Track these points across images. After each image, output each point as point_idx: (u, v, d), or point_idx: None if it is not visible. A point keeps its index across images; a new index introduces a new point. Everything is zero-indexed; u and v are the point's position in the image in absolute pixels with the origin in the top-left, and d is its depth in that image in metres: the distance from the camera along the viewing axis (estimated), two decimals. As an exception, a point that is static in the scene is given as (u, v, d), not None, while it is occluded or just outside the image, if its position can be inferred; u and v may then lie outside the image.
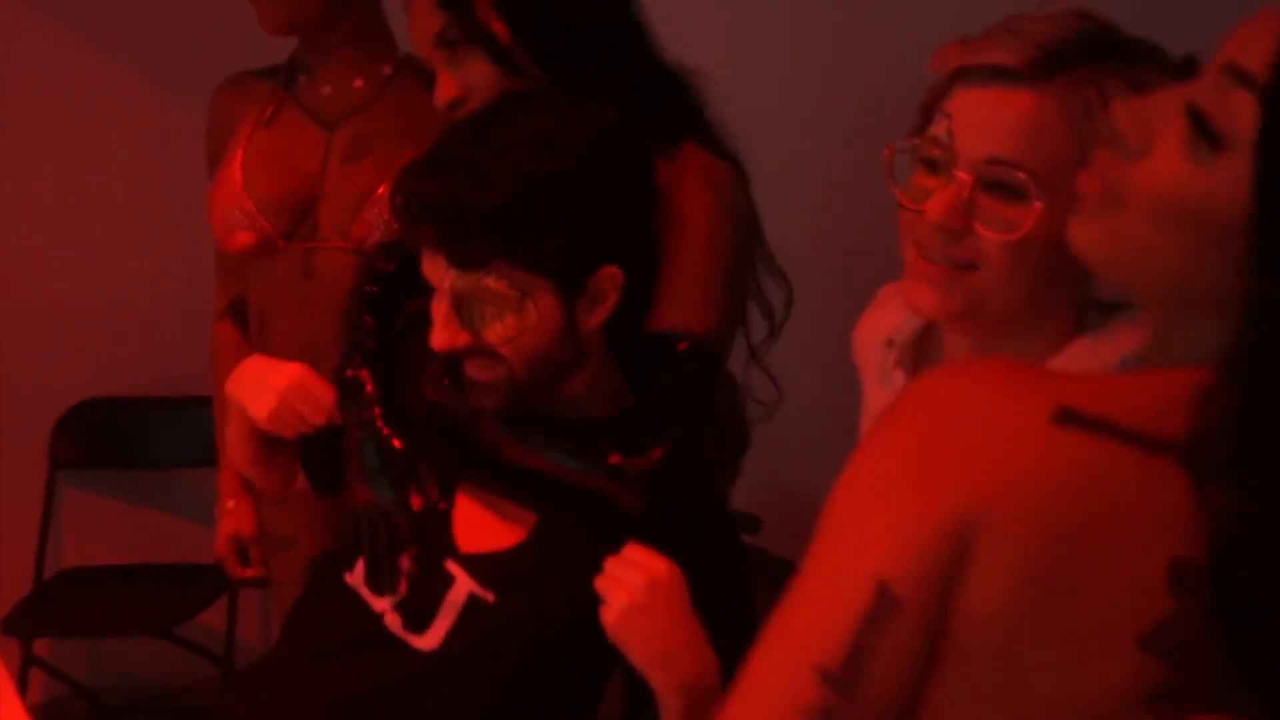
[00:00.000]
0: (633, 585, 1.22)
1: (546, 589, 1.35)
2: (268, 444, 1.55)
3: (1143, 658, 0.80)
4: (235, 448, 1.59)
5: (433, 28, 1.53)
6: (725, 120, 1.61)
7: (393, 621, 1.38)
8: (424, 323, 1.38)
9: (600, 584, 1.24)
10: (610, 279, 1.33)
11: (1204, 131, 0.79)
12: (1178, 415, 0.80)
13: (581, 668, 1.38)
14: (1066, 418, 0.80)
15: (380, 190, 1.79)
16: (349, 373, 1.50)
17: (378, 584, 1.40)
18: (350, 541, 1.44)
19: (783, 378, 1.61)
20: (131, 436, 2.95)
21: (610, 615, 1.21)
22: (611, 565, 1.24)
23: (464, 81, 1.54)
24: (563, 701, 1.39)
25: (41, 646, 2.85)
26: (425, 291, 1.37)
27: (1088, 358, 1.14)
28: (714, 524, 1.45)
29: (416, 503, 1.42)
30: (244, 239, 1.87)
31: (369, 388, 1.48)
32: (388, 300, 1.52)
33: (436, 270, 1.31)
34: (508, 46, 1.51)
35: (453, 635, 1.35)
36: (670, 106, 1.58)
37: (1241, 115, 0.77)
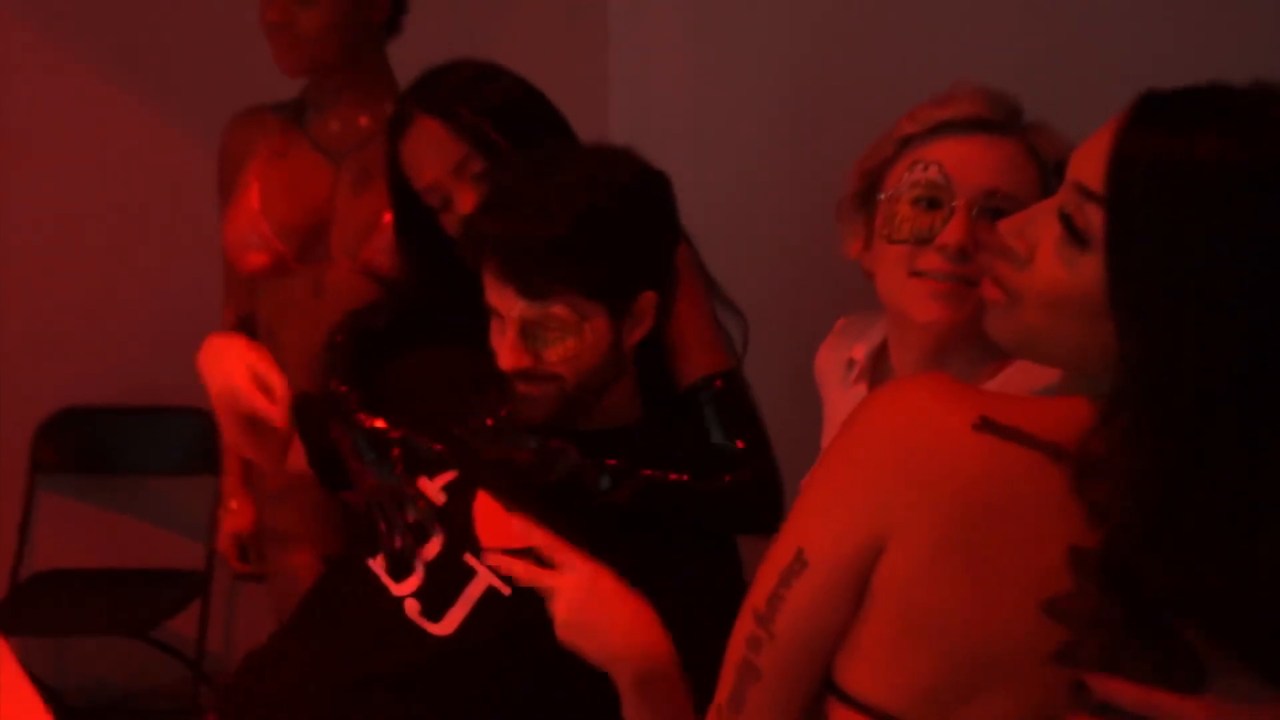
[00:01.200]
0: (564, 600, 1.31)
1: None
2: (253, 422, 1.64)
3: (1044, 623, 0.99)
4: (227, 431, 1.68)
5: (453, 156, 1.65)
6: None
7: (411, 607, 1.47)
8: (412, 345, 1.51)
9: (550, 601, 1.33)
10: (649, 301, 1.51)
11: (1073, 233, 0.99)
12: (1076, 433, 0.99)
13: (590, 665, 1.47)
14: (986, 425, 1.01)
15: (385, 218, 1.90)
16: (330, 385, 1.64)
17: (398, 566, 1.50)
18: (371, 528, 1.55)
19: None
20: (109, 443, 3.03)
21: (558, 630, 1.31)
22: (543, 578, 1.33)
23: None
24: (572, 695, 1.46)
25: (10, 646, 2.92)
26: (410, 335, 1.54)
27: (1023, 378, 1.30)
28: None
29: (421, 483, 1.54)
30: (258, 260, 2.02)
31: (348, 393, 1.63)
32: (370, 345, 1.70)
33: (504, 300, 1.45)
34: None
35: (467, 624, 1.45)
36: None
37: (1094, 221, 0.97)
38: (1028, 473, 0.99)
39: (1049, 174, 1.32)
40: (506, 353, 1.46)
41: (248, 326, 2.14)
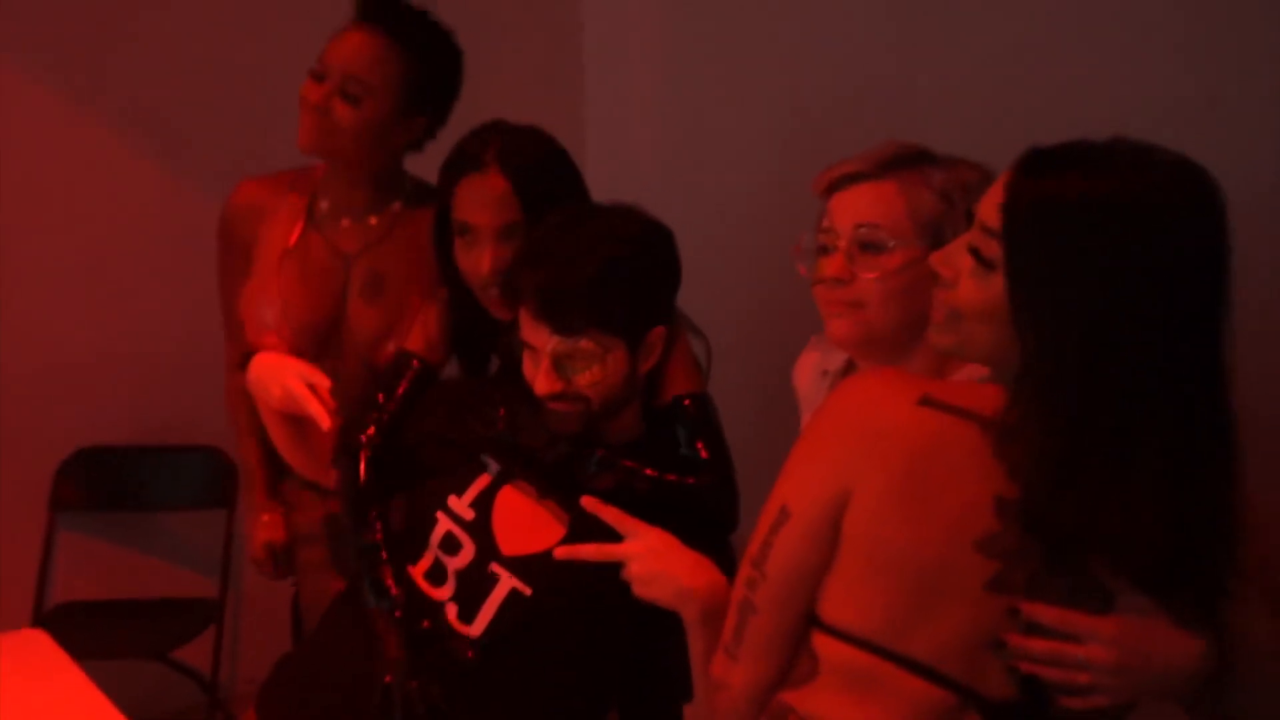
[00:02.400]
0: (638, 560, 1.55)
1: (578, 581, 1.68)
2: (299, 431, 1.90)
3: (980, 557, 1.26)
4: (275, 437, 1.95)
5: (507, 217, 1.88)
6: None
7: (450, 610, 1.73)
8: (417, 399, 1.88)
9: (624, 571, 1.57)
10: (658, 335, 1.79)
11: (980, 261, 1.27)
12: (999, 410, 1.26)
13: (608, 650, 1.72)
14: (927, 401, 1.30)
15: (395, 327, 2.09)
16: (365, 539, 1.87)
17: (435, 576, 1.75)
18: (413, 537, 1.78)
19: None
20: (125, 481, 3.17)
21: (635, 588, 1.55)
22: (617, 551, 1.57)
23: (506, 260, 1.86)
24: (590, 682, 1.74)
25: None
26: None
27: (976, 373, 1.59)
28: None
29: (451, 500, 1.79)
30: (273, 343, 2.14)
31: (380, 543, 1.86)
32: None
33: (539, 336, 1.72)
34: None
35: (494, 622, 1.71)
36: None
37: (995, 250, 1.25)
38: (962, 437, 1.27)
39: (924, 203, 1.60)
40: (542, 380, 1.72)
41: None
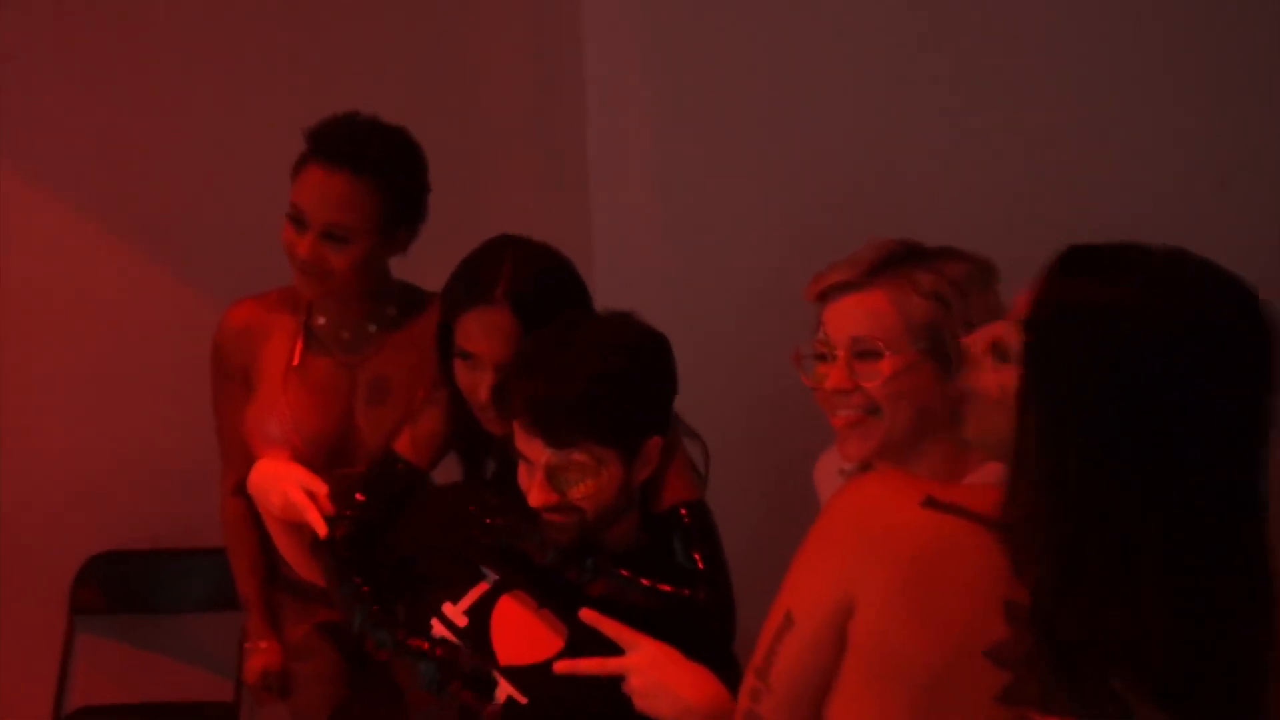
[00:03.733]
0: (638, 674, 1.56)
1: (577, 693, 1.68)
2: (303, 537, 1.94)
3: (989, 666, 1.22)
4: (281, 546, 1.99)
5: (508, 350, 1.86)
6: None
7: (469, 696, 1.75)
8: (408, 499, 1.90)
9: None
10: (654, 445, 1.78)
11: (999, 353, 1.26)
12: None
13: None
14: (930, 503, 1.27)
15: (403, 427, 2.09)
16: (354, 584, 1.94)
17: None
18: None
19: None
20: (142, 585, 3.21)
21: (636, 702, 1.56)
22: (617, 664, 1.58)
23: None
24: None
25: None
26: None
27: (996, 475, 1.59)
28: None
29: (446, 608, 1.81)
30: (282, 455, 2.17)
31: (370, 593, 1.92)
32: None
33: (532, 449, 1.72)
34: None
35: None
36: None
37: (1015, 342, 1.23)
38: (968, 539, 1.24)
39: (915, 308, 1.61)
40: (536, 492, 1.72)
41: (245, 490, 2.21)
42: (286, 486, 2.00)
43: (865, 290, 1.63)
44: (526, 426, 1.71)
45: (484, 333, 1.89)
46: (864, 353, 1.61)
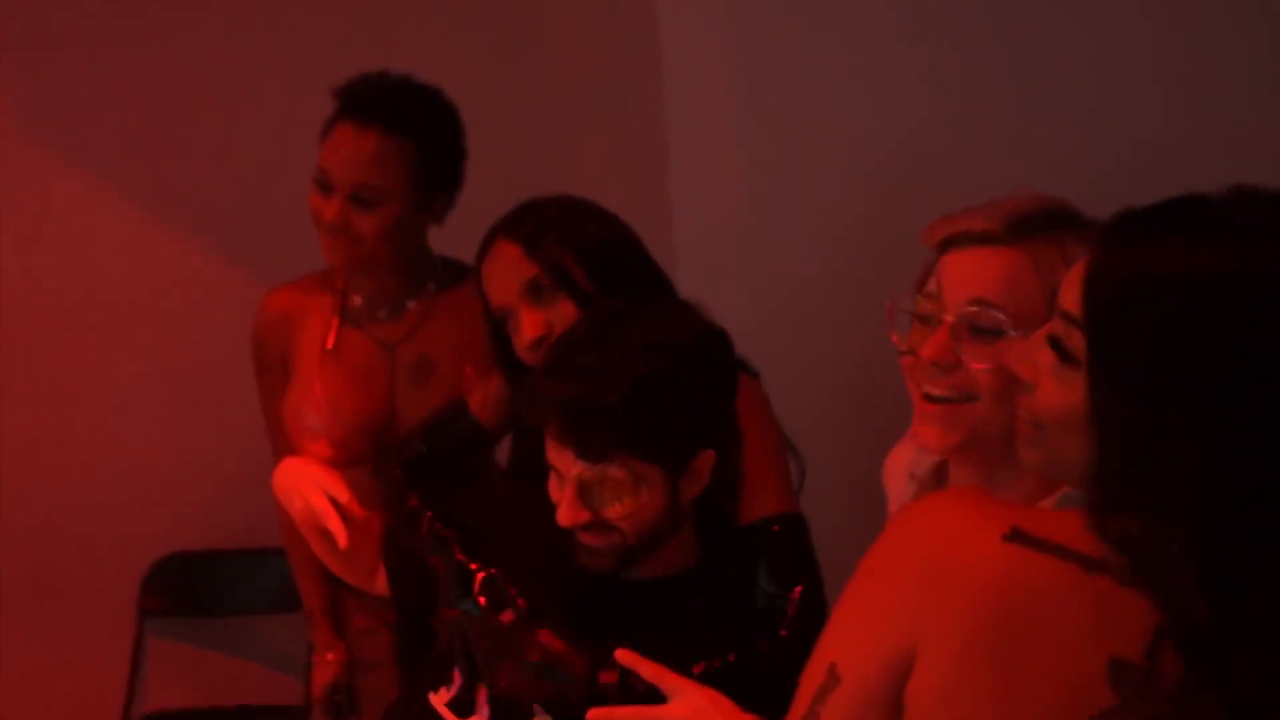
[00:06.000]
0: None
1: None
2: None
3: None
4: (313, 546, 1.79)
5: (524, 276, 1.74)
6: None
7: None
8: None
9: None
10: (707, 460, 1.55)
11: (1063, 355, 1.02)
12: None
13: None
14: (1016, 536, 1.02)
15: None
16: (408, 502, 1.76)
17: (461, 707, 1.58)
18: (437, 662, 1.63)
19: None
20: (210, 586, 3.16)
21: None
22: (658, 715, 1.37)
23: (549, 321, 1.75)
24: None
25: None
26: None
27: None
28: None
29: (506, 615, 1.60)
30: (324, 451, 2.05)
31: (421, 507, 1.73)
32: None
33: (563, 460, 1.51)
34: (587, 290, 1.74)
35: None
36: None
37: (1078, 342, 1.01)
38: (1060, 583, 1.00)
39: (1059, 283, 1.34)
40: (565, 509, 1.51)
41: None
42: (306, 489, 1.80)
43: (1004, 247, 1.32)
44: (557, 436, 1.50)
45: (497, 273, 1.76)
46: (981, 328, 1.30)
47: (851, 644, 1.07)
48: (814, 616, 1.58)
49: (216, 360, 3.09)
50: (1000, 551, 1.01)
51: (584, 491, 1.50)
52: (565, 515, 1.51)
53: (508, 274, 1.75)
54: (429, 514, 1.73)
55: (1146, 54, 2.43)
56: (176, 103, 3.04)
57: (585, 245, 1.75)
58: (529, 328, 1.75)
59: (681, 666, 1.44)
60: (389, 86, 2.03)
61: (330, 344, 2.09)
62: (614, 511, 1.50)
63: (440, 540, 1.69)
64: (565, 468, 1.51)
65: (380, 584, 1.81)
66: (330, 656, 2.27)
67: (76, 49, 3.01)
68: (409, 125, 1.99)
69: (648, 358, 1.49)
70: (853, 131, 2.70)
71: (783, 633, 1.57)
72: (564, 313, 1.74)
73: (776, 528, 1.65)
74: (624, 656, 1.41)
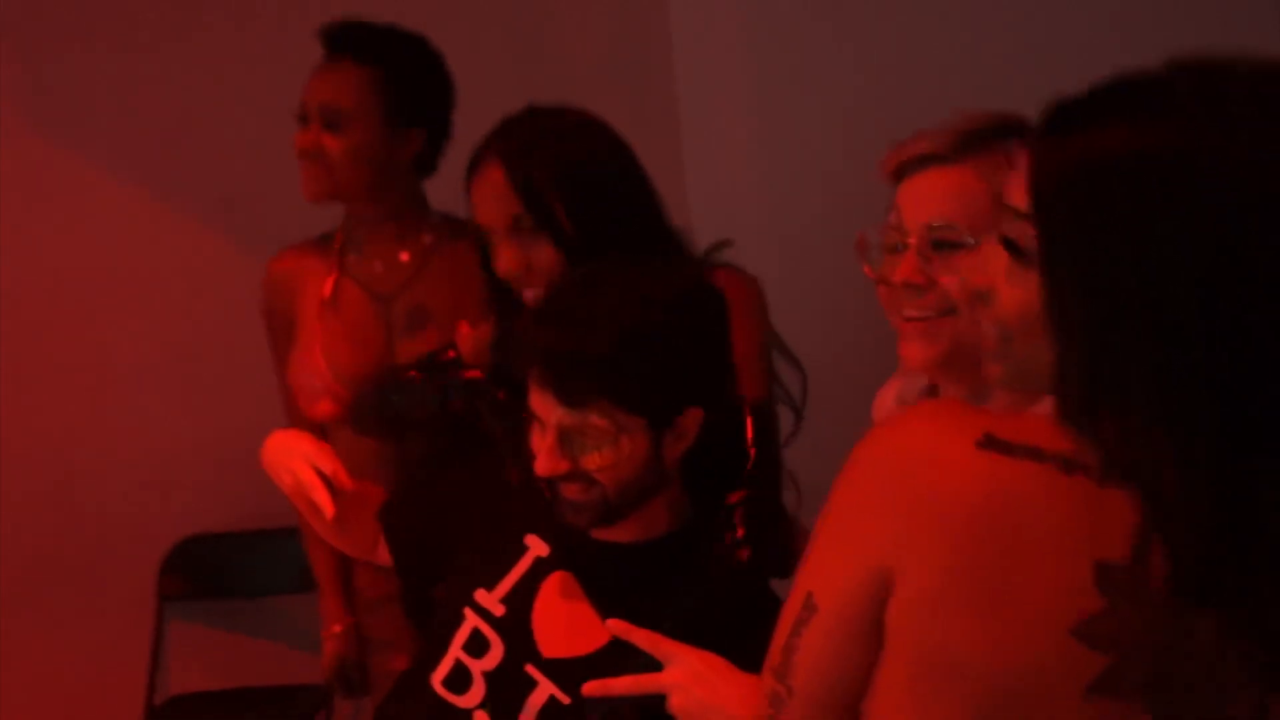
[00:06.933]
0: (680, 691, 1.31)
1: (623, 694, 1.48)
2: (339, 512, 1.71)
3: (1077, 650, 0.94)
4: (310, 521, 1.76)
5: (508, 210, 1.72)
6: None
7: (481, 719, 1.52)
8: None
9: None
10: (693, 418, 1.52)
11: (1017, 253, 0.98)
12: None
13: None
14: (990, 443, 0.96)
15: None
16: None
17: (458, 681, 1.55)
18: (433, 641, 1.60)
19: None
20: (229, 568, 3.15)
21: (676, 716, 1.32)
22: (656, 681, 1.34)
23: (526, 259, 1.73)
24: None
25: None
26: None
27: None
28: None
29: (479, 595, 1.57)
30: (328, 409, 2.08)
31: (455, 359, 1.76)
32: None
33: (545, 406, 1.48)
34: (569, 234, 1.72)
35: None
36: (679, 251, 1.81)
37: (1030, 236, 0.96)
38: (1039, 487, 0.95)
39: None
40: (544, 457, 1.48)
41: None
42: (294, 463, 1.75)
43: (951, 165, 1.35)
44: (539, 380, 1.47)
45: (482, 197, 1.74)
46: (942, 242, 1.33)
47: (826, 571, 1.03)
48: (764, 484, 1.62)
49: (232, 342, 3.07)
50: (974, 460, 0.96)
51: (564, 438, 1.47)
52: (544, 464, 1.48)
53: (491, 203, 1.74)
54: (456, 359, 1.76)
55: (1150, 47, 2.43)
56: (184, 84, 3.04)
57: (574, 182, 1.71)
58: (503, 262, 1.75)
59: (660, 630, 1.42)
60: (366, 24, 2.12)
61: (327, 293, 2.12)
62: (593, 461, 1.47)
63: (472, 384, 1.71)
64: (546, 414, 1.48)
65: (383, 553, 1.79)
66: (336, 629, 2.28)
67: (81, 32, 3.00)
68: (375, 54, 2.07)
69: (637, 308, 1.47)
70: (865, 111, 2.71)
71: (741, 554, 1.58)
72: (543, 254, 1.73)
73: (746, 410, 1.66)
74: (615, 626, 1.38)
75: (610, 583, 1.54)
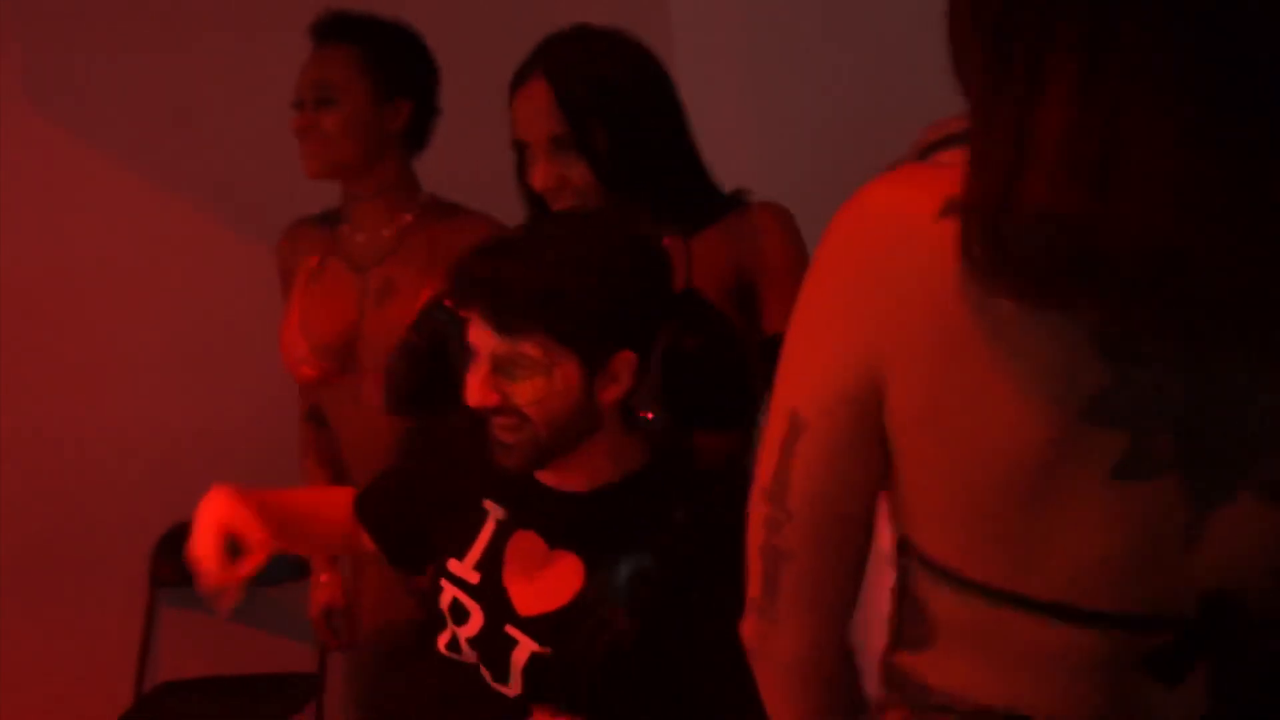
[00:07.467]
0: None
1: (593, 637, 1.51)
2: (295, 531, 1.73)
3: (1094, 432, 0.84)
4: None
5: (550, 129, 1.75)
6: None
7: (486, 674, 1.57)
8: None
9: None
10: (626, 362, 1.52)
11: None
12: None
13: (642, 699, 1.52)
14: (952, 210, 0.85)
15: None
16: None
17: (453, 649, 1.60)
18: (432, 610, 1.63)
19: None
20: (223, 555, 3.16)
21: None
22: None
23: (562, 175, 1.77)
24: None
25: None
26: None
27: None
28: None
29: (452, 564, 1.61)
30: (307, 373, 2.17)
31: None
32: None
33: (481, 336, 1.50)
34: (606, 157, 1.75)
35: (526, 684, 1.54)
36: (710, 187, 1.87)
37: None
38: None
39: None
40: (476, 388, 1.49)
41: (316, 415, 2.30)
42: (198, 530, 1.74)
43: None
44: (479, 309, 1.49)
45: (524, 113, 1.77)
46: None
47: (809, 384, 0.94)
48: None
49: (226, 329, 3.11)
50: (943, 234, 0.85)
51: (497, 368, 1.49)
52: (474, 394, 1.50)
53: (533, 119, 1.77)
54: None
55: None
56: (183, 74, 3.04)
57: (616, 107, 1.75)
58: (539, 177, 1.78)
59: (618, 580, 1.50)
60: (347, 12, 2.21)
61: (314, 263, 2.21)
62: (524, 393, 1.49)
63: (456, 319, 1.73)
64: (482, 344, 1.50)
65: (366, 543, 1.78)
66: (324, 578, 2.33)
67: (87, 22, 3.00)
68: (361, 35, 2.17)
69: (580, 245, 1.51)
70: (864, 111, 2.71)
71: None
72: (578, 171, 1.77)
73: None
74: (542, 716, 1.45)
75: (563, 532, 1.57)
